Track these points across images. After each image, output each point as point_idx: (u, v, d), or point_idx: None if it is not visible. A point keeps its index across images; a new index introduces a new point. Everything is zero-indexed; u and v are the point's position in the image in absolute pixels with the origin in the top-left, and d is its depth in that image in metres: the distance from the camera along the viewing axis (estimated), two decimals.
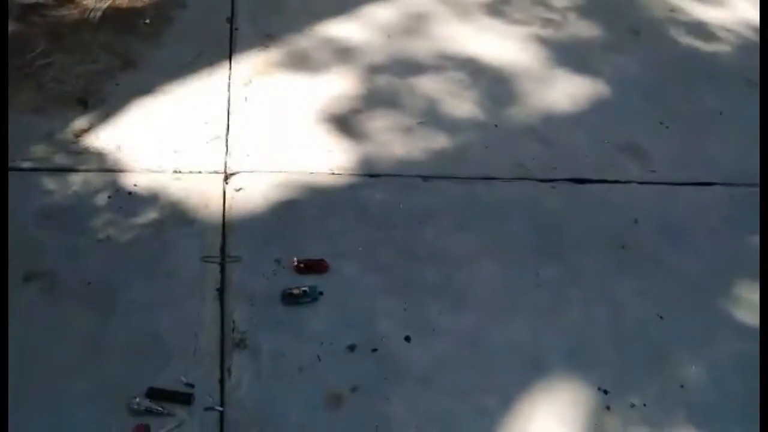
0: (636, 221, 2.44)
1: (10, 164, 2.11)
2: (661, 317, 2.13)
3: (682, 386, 1.95)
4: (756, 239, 2.40)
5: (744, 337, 2.09)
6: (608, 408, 1.88)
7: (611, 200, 2.52)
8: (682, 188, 2.58)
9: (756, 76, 3.04)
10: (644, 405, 1.89)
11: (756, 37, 3.33)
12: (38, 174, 2.21)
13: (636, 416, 1.87)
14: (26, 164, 2.23)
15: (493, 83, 2.92)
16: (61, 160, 2.27)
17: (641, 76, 3.08)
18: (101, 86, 2.54)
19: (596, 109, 2.89)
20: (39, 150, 2.28)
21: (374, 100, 2.74)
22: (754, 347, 2.05)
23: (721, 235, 2.41)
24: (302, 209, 2.28)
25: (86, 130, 2.38)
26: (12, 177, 2.05)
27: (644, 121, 2.86)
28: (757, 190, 2.56)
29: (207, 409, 1.73)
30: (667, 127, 2.84)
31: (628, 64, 3.13)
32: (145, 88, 2.58)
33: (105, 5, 2.88)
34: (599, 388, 1.92)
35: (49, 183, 2.19)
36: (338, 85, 2.76)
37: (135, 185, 2.24)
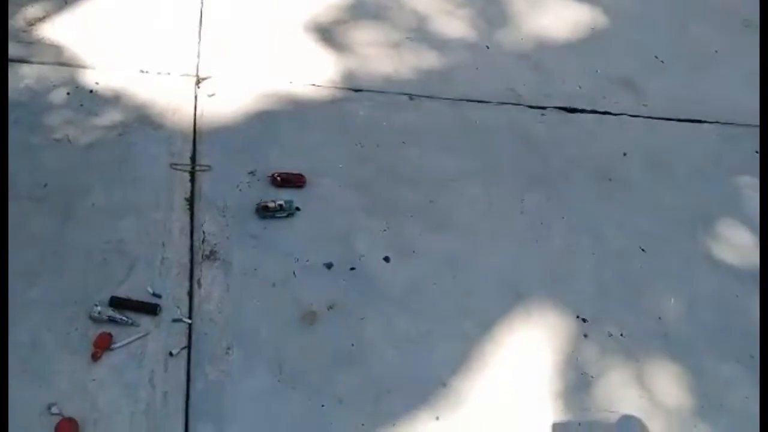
0: (625, 154, 2.38)
1: None
2: (643, 250, 2.09)
3: (659, 318, 1.94)
4: (742, 180, 2.37)
5: (721, 274, 2.08)
6: (586, 336, 1.86)
7: (601, 131, 2.44)
8: (673, 124, 2.51)
9: (752, 17, 2.95)
10: (621, 335, 1.88)
11: None
12: None
13: (612, 345, 1.86)
14: None
15: (486, 3, 2.76)
16: (11, 49, 2.05)
17: (639, 8, 2.94)
18: None
19: (591, 38, 2.77)
20: None
21: (361, 11, 2.55)
22: (731, 284, 2.05)
23: (707, 174, 2.37)
24: (280, 120, 2.13)
25: (41, 19, 2.16)
26: None
27: (639, 54, 2.76)
28: (749, 130, 2.52)
29: (175, 320, 1.64)
30: (662, 62, 2.75)
31: None
32: None
33: None
34: (578, 316, 1.90)
35: None
36: None
37: (96, 83, 2.05)
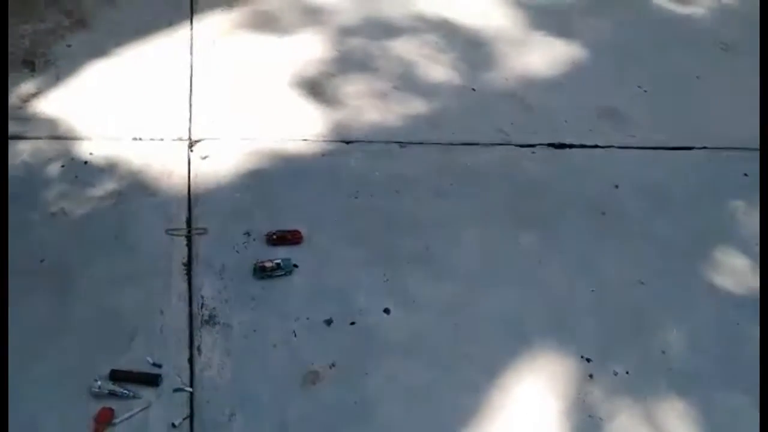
0: (616, 186, 2.39)
1: None
2: (642, 283, 2.09)
3: (663, 352, 1.92)
4: (734, 204, 2.38)
5: (723, 302, 2.07)
6: (591, 376, 1.85)
7: (591, 165, 2.46)
8: (662, 152, 2.54)
9: (730, 40, 3.01)
10: (627, 372, 1.86)
11: (729, 0, 3.29)
12: None
13: (619, 384, 1.84)
14: None
15: (469, 46, 2.82)
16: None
17: (618, 39, 3.01)
18: (50, 47, 2.35)
19: (574, 73, 2.82)
20: None
21: (347, 63, 2.61)
22: (733, 312, 2.04)
23: (701, 200, 2.39)
24: (273, 178, 2.15)
25: (34, 95, 2.20)
26: None
27: (622, 85, 2.80)
28: (736, 153, 2.55)
29: (176, 390, 1.63)
30: (645, 91, 2.79)
31: (605, 28, 3.06)
32: (99, 49, 2.39)
33: None
34: (582, 357, 1.88)
35: None
36: (308, 48, 2.62)
37: (91, 153, 2.08)
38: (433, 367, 1.80)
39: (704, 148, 2.57)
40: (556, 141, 2.50)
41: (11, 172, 1.97)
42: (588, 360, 1.88)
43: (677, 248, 2.21)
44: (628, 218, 2.29)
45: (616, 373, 1.86)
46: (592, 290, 2.05)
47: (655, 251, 2.20)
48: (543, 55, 2.86)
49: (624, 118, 2.65)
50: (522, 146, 2.46)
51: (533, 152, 2.45)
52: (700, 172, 2.48)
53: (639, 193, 2.38)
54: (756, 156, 2.48)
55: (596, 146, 2.52)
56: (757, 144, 2.49)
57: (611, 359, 1.89)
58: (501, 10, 3.01)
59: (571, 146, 2.50)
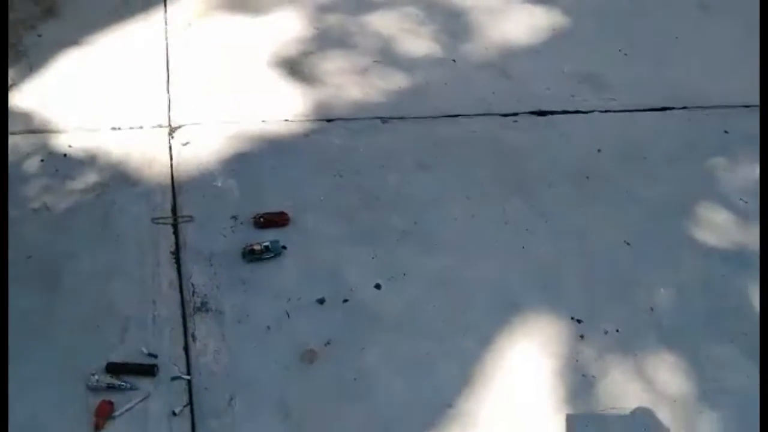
0: (599, 150, 2.41)
1: None
2: (628, 243, 2.12)
3: (651, 309, 1.96)
4: (715, 161, 2.41)
5: (708, 258, 2.10)
6: (582, 337, 1.88)
7: (574, 131, 2.47)
8: (642, 115, 2.54)
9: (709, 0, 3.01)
10: (617, 330, 1.90)
11: None
12: None
13: (610, 342, 1.88)
14: None
15: (448, 17, 2.79)
16: None
17: (597, 4, 2.99)
18: (21, 38, 2.29)
19: (554, 40, 2.81)
20: None
21: (325, 40, 2.57)
22: (718, 266, 2.07)
23: (683, 159, 2.40)
24: (256, 161, 2.14)
25: (8, 88, 2.16)
26: None
27: (603, 49, 2.79)
28: (716, 111, 2.56)
29: (174, 378, 1.64)
30: (625, 55, 2.78)
31: None
32: (72, 38, 2.34)
33: None
34: (572, 318, 1.91)
35: None
36: (286, 26, 2.58)
37: (69, 146, 2.05)
38: (427, 339, 1.82)
39: (684, 108, 2.58)
40: (538, 108, 2.50)
41: None
42: (579, 321, 1.91)
43: (661, 208, 2.24)
44: (611, 181, 2.31)
45: (606, 332, 1.90)
46: (579, 254, 2.08)
47: (640, 212, 2.22)
48: (523, 23, 2.84)
49: (604, 82, 2.65)
50: (504, 115, 2.46)
51: (516, 121, 2.45)
52: (681, 132, 2.50)
53: (621, 155, 2.39)
54: (735, 113, 2.51)
55: (578, 111, 2.53)
56: (735, 101, 2.52)
57: (601, 319, 1.92)
58: None
59: (553, 113, 2.50)
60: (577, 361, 1.83)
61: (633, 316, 1.94)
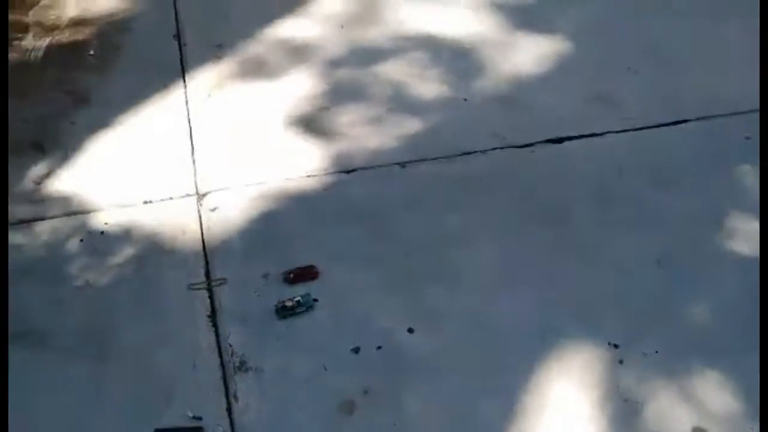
0: (620, 171, 2.41)
1: None
2: (659, 262, 2.09)
3: (690, 327, 1.92)
4: (740, 169, 2.37)
5: (744, 268, 2.06)
6: (621, 362, 1.85)
7: (592, 154, 2.48)
8: (659, 130, 2.54)
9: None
10: (656, 352, 1.86)
11: None
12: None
13: (650, 364, 1.84)
14: None
15: (455, 58, 2.86)
16: (24, 211, 2.18)
17: (599, 23, 3.03)
18: (55, 127, 2.45)
19: (562, 66, 2.84)
20: None
21: (339, 94, 2.67)
22: (753, 276, 2.02)
23: (706, 171, 2.38)
24: (282, 218, 2.21)
25: (46, 176, 2.30)
26: None
27: (610, 68, 2.82)
28: (733, 118, 2.54)
29: None
30: (635, 72, 2.80)
31: (583, 14, 3.08)
32: (102, 122, 2.49)
33: (45, 43, 2.78)
34: (609, 343, 1.89)
35: (17, 237, 2.11)
36: (299, 86, 2.69)
37: (106, 224, 2.17)
38: (464, 380, 1.82)
39: (700, 118, 2.56)
40: (552, 136, 2.53)
41: (34, 253, 2.06)
42: (616, 346, 1.89)
43: (690, 223, 2.21)
44: (636, 201, 2.30)
45: (645, 354, 1.86)
46: (610, 278, 2.06)
47: (669, 229, 2.20)
48: (528, 54, 2.89)
49: (616, 101, 2.67)
50: (520, 147, 2.49)
51: (532, 151, 2.48)
52: (701, 143, 2.48)
53: (643, 174, 2.39)
54: (754, 118, 2.48)
55: (593, 135, 2.54)
56: (753, 105, 2.50)
57: (639, 342, 1.89)
58: (479, 17, 3.05)
59: (569, 138, 2.52)
60: (618, 387, 1.80)
61: (671, 336, 1.91)
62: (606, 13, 3.05)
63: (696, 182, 2.33)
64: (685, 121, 2.56)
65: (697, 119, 2.55)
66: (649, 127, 2.56)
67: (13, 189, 2.25)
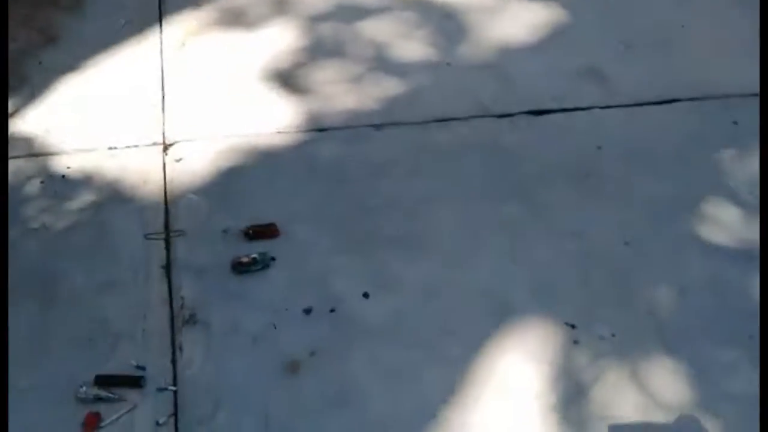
0: (599, 148, 2.34)
1: None
2: (627, 244, 2.05)
3: (651, 312, 1.89)
4: (723, 154, 2.31)
5: (713, 257, 2.01)
6: (576, 342, 1.83)
7: (573, 129, 2.41)
8: (646, 108, 2.46)
9: None
10: (613, 335, 1.84)
11: None
12: None
13: (605, 347, 1.82)
14: None
15: (443, 20, 2.77)
16: None
17: None
18: (23, 66, 2.39)
19: (554, 36, 2.75)
20: None
21: (319, 50, 2.59)
22: (723, 266, 1.98)
23: (687, 154, 2.31)
24: (248, 174, 2.17)
25: (11, 115, 2.26)
26: None
27: (604, 43, 2.72)
28: (724, 101, 2.46)
29: (160, 389, 1.67)
30: (628, 47, 2.71)
31: None
32: (71, 63, 2.43)
33: None
34: (566, 323, 1.86)
35: None
36: (279, 39, 2.62)
37: (68, 167, 2.13)
38: (415, 347, 1.81)
39: (691, 99, 2.48)
40: (534, 108, 2.45)
41: None
42: (572, 326, 1.86)
43: (664, 206, 2.16)
44: (612, 179, 2.24)
45: (602, 337, 1.84)
46: (576, 256, 2.02)
47: (642, 210, 2.15)
48: (520, 21, 2.80)
49: (606, 77, 2.58)
50: (500, 116, 2.42)
51: (511, 122, 2.41)
52: (687, 125, 2.41)
53: (623, 152, 2.32)
54: (745, 102, 2.40)
55: (577, 109, 2.47)
56: (745, 90, 2.42)
57: (596, 324, 1.86)
58: None
59: (550, 111, 2.45)
60: (570, 367, 1.78)
61: (631, 320, 1.88)
62: None
63: (676, 165, 2.27)
64: (674, 101, 2.48)
65: (687, 100, 2.47)
66: (636, 104, 2.49)
67: None
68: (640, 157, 2.30)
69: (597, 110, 2.47)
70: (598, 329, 1.85)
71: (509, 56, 2.65)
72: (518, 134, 2.38)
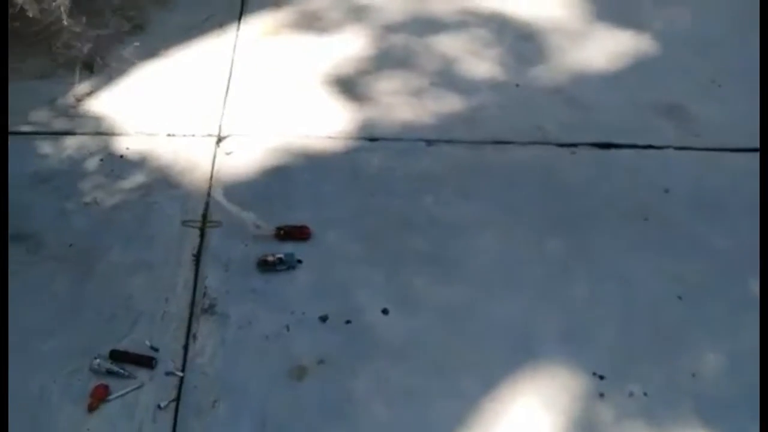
0: (667, 191, 2.16)
1: (12, 128, 2.14)
2: (680, 298, 1.87)
3: (693, 375, 1.70)
4: None
5: None
6: (602, 395, 1.68)
7: (641, 167, 2.24)
8: (725, 154, 2.25)
9: None
10: (645, 394, 1.67)
11: None
12: (37, 138, 2.25)
13: (633, 406, 1.66)
14: (26, 128, 2.28)
15: (519, 40, 2.68)
16: (60, 124, 2.30)
17: (695, 29, 2.72)
18: (108, 51, 2.55)
19: (638, 67, 2.59)
20: (41, 114, 2.32)
21: (386, 60, 2.58)
22: None
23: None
24: (292, 174, 2.18)
25: (88, 95, 2.41)
26: (12, 141, 2.07)
27: (692, 79, 2.53)
28: None
29: (168, 373, 1.70)
30: (719, 86, 2.50)
31: (681, 16, 2.78)
32: (151, 51, 2.57)
33: None
34: (594, 373, 1.71)
35: (46, 147, 2.23)
36: (349, 45, 2.63)
37: (127, 148, 2.24)
38: (426, 373, 1.73)
39: None
40: (601, 140, 2.31)
41: (57, 165, 2.17)
42: (601, 377, 1.71)
43: (729, 262, 1.95)
44: (674, 226, 2.06)
45: (632, 394, 1.68)
46: (618, 303, 1.86)
47: (702, 264, 1.95)
48: (602, 48, 2.65)
49: (689, 115, 2.39)
50: (561, 145, 2.30)
51: (573, 152, 2.28)
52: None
53: (692, 198, 2.13)
54: None
55: (650, 147, 2.30)
56: None
57: (628, 378, 1.71)
58: (560, 0, 2.83)
59: (618, 146, 2.30)
60: (589, 421, 1.64)
61: (669, 380, 1.70)
62: (707, 22, 2.74)
63: (748, 219, 2.04)
64: (757, 150, 2.24)
65: None
66: (715, 149, 2.28)
67: (58, 102, 2.37)
68: (709, 207, 2.10)
69: (671, 150, 2.29)
70: (629, 385, 1.70)
71: (583, 83, 2.52)
72: (579, 166, 2.24)
